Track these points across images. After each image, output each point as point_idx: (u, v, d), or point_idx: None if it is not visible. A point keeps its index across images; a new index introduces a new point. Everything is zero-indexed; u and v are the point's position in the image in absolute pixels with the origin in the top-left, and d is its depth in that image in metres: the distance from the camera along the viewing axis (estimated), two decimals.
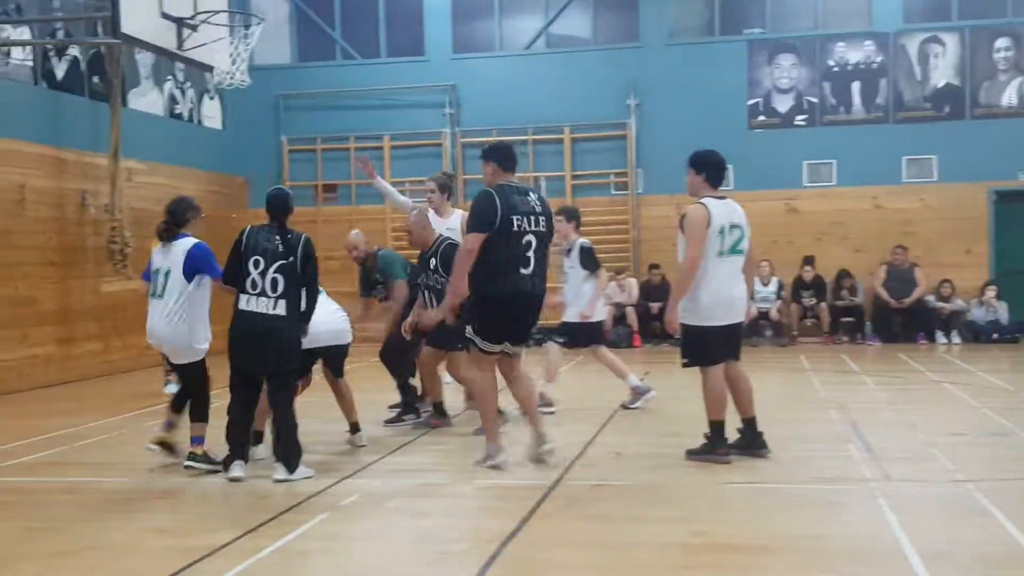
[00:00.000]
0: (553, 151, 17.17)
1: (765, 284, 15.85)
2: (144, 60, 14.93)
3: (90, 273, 13.44)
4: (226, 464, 6.87)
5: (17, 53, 12.64)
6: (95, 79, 13.89)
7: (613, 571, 4.86)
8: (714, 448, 7.05)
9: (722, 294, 7.00)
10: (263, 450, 7.34)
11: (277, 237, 6.88)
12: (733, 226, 7.03)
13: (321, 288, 7.29)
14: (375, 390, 9.62)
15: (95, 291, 13.46)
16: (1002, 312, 15.52)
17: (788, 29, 16.96)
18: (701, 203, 7.03)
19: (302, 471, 6.79)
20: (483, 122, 17.05)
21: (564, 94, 16.97)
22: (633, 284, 16.37)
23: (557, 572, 4.92)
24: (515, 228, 6.80)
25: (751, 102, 16.84)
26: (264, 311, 6.76)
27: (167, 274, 7.10)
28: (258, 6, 16.89)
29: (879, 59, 16.55)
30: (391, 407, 9.03)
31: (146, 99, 15.14)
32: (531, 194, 7.04)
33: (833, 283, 16.21)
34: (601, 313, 9.80)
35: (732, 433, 7.18)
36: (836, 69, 16.69)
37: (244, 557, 5.07)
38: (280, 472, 6.73)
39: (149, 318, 7.23)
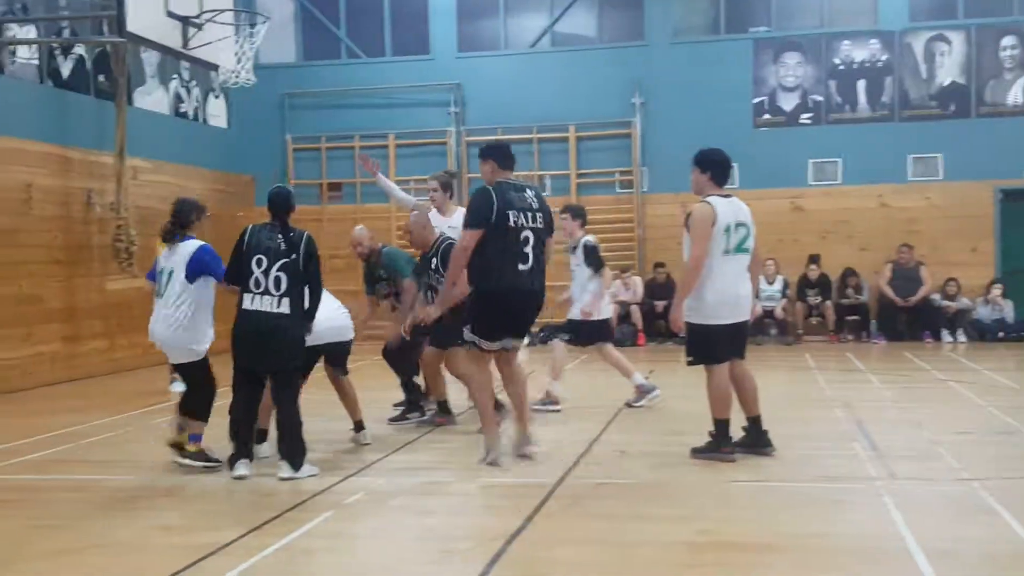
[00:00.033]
0: (558, 150, 17.16)
1: (770, 283, 15.84)
2: (150, 59, 14.94)
3: (96, 271, 13.45)
4: (231, 462, 6.89)
5: (23, 52, 12.65)
6: (101, 78, 13.90)
7: (618, 569, 4.86)
8: (719, 446, 7.05)
9: (727, 292, 6.99)
10: (267, 448, 7.34)
11: (279, 235, 6.89)
12: (739, 224, 7.02)
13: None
14: (379, 388, 9.62)
15: (101, 289, 13.49)
16: (1008, 310, 15.49)
17: (794, 27, 16.91)
18: (706, 201, 7.02)
19: (306, 469, 6.80)
20: (488, 121, 17.03)
21: (569, 93, 16.95)
22: (638, 282, 16.35)
23: (561, 570, 4.91)
24: (511, 224, 6.81)
25: (756, 100, 16.81)
26: (268, 309, 6.77)
27: (170, 275, 7.11)
28: (263, 5, 16.88)
29: (885, 57, 16.51)
30: (396, 405, 9.04)
31: (151, 98, 15.15)
32: (528, 191, 7.06)
33: (838, 282, 16.17)
34: (607, 311, 9.80)
35: (737, 431, 7.18)
36: (842, 67, 16.65)
37: (249, 555, 5.08)
38: (284, 470, 6.75)
39: (152, 318, 7.26)
